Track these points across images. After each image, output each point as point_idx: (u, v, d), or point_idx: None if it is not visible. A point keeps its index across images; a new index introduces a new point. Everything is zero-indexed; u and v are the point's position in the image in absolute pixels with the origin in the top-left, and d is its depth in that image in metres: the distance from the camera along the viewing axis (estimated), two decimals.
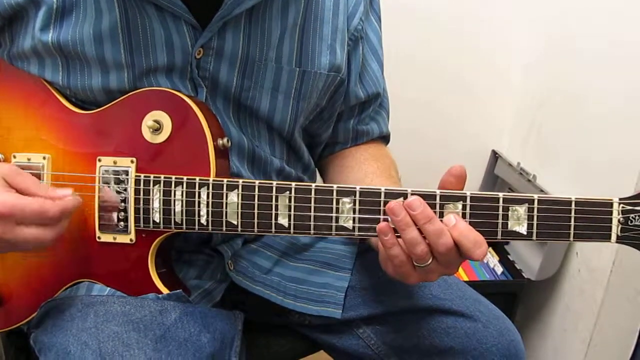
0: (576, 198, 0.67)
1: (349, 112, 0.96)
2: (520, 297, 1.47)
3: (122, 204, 0.76)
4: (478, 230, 0.68)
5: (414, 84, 1.55)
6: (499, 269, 1.52)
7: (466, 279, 1.49)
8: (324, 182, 1.02)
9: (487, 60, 1.63)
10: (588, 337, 1.33)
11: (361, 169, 0.93)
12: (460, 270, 1.52)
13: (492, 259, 1.56)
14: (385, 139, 1.03)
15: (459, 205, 0.69)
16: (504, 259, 1.56)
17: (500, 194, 0.69)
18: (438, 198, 0.69)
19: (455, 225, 0.67)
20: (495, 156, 1.67)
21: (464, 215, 0.69)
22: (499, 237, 0.69)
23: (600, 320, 1.31)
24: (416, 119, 1.60)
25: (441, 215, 0.69)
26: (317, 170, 1.03)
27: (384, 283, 0.90)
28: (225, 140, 0.76)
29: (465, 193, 0.69)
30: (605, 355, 1.34)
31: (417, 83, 1.57)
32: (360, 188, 0.71)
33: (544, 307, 1.49)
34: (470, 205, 0.69)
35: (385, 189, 0.70)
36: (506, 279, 1.50)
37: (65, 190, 0.72)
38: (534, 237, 0.69)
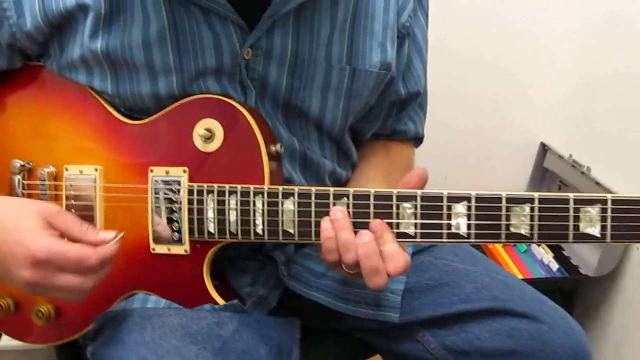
0: None
1: (388, 108, 0.94)
2: (578, 294, 1.42)
3: (176, 215, 0.75)
4: (548, 233, 0.65)
5: (457, 75, 1.51)
6: (554, 266, 1.48)
7: (520, 277, 1.45)
8: None
9: (533, 48, 1.58)
10: None
11: (371, 170, 0.94)
12: (514, 267, 1.48)
13: (547, 256, 1.52)
14: (418, 140, 1.01)
15: (527, 207, 0.66)
16: (559, 255, 1.51)
17: (571, 195, 0.65)
18: (504, 201, 0.66)
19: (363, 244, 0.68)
20: (544, 148, 1.62)
21: (532, 218, 0.65)
22: (571, 239, 0.66)
23: None
24: (460, 112, 1.56)
25: (507, 217, 0.66)
26: None
27: (442, 284, 0.87)
28: (278, 146, 0.75)
29: (533, 195, 0.66)
30: None
31: (461, 75, 1.54)
32: (422, 192, 0.68)
33: (603, 303, 1.44)
34: (539, 207, 0.65)
35: (448, 193, 0.67)
36: (562, 275, 1.45)
37: (108, 233, 0.69)
38: (608, 239, 0.65)
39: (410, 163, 1.00)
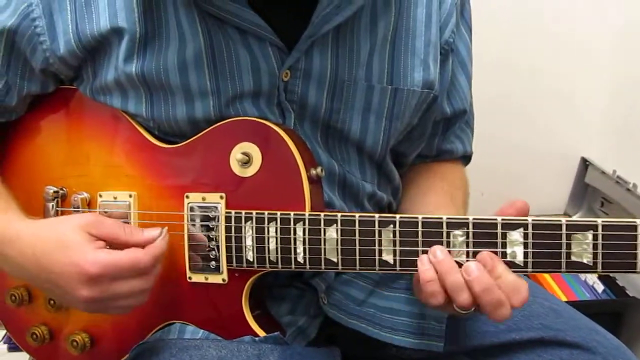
0: None
1: (433, 127, 0.91)
2: (625, 317, 1.36)
3: (213, 242, 0.72)
4: (613, 262, 0.61)
5: (493, 88, 1.48)
6: (600, 287, 1.42)
7: (565, 299, 1.39)
8: None
9: (572, 59, 1.54)
10: None
11: (431, 196, 0.89)
12: (557, 289, 1.43)
13: (592, 276, 1.46)
14: (466, 158, 0.97)
15: (589, 235, 0.61)
16: (604, 275, 1.45)
17: (638, 221, 0.61)
18: (564, 228, 0.62)
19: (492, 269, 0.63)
20: (585, 164, 1.57)
21: (595, 247, 0.61)
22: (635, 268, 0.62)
23: None
24: (497, 126, 1.52)
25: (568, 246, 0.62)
26: None
27: None
28: (319, 169, 0.71)
29: (596, 221, 0.61)
30: None
31: (498, 87, 1.50)
32: (474, 219, 0.64)
33: None
34: (603, 235, 0.61)
35: (502, 219, 0.64)
36: (608, 297, 1.39)
37: (153, 230, 0.69)
38: None
39: (466, 183, 0.95)
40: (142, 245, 0.67)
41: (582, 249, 0.62)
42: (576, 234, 0.62)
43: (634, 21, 1.44)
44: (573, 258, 0.62)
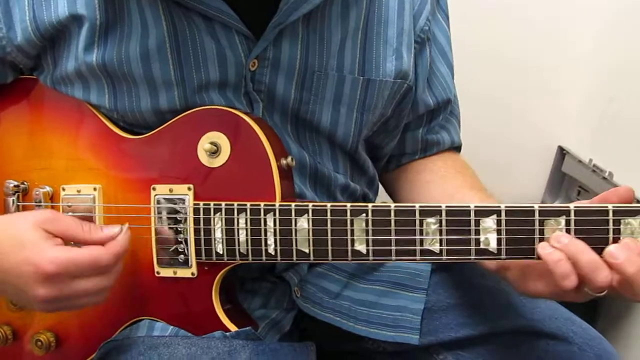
0: None
1: (417, 121, 0.89)
2: (601, 305, 1.36)
3: (181, 235, 0.70)
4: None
5: (470, 78, 1.46)
6: None
7: None
8: (395, 199, 0.94)
9: (549, 48, 1.53)
10: None
11: (447, 183, 0.86)
12: None
13: None
14: (457, 149, 0.95)
15: (562, 220, 0.61)
16: None
17: (610, 206, 0.60)
18: (537, 214, 0.61)
19: None
20: (562, 152, 1.57)
21: (568, 232, 0.61)
22: None
23: None
24: (473, 115, 1.50)
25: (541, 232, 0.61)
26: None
27: (463, 304, 0.83)
28: (289, 159, 0.70)
29: (568, 206, 0.60)
30: None
31: (475, 77, 1.48)
32: (447, 206, 0.63)
33: (627, 314, 1.38)
34: (576, 220, 0.60)
35: (475, 206, 0.62)
36: None
37: (113, 228, 0.67)
38: None
39: (473, 170, 0.92)
40: (102, 243, 0.65)
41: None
42: (549, 219, 0.61)
43: (614, 13, 1.44)
44: None
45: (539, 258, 0.61)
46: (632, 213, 0.60)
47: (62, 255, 0.62)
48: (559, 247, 0.60)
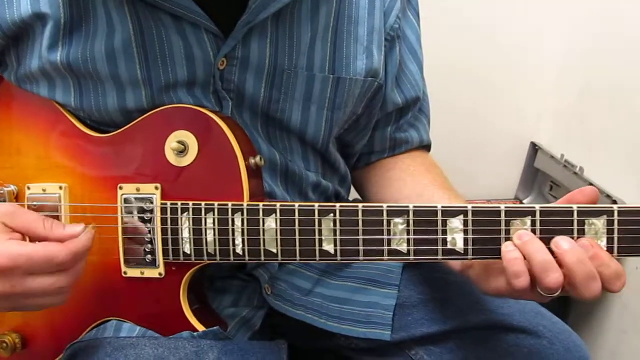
0: None
1: (385, 119, 0.89)
2: (571, 301, 1.38)
3: (148, 235, 0.69)
4: None
5: (443, 73, 1.46)
6: None
7: None
8: (363, 196, 0.94)
9: (522, 43, 1.54)
10: None
11: (416, 181, 0.86)
12: None
13: None
14: (426, 148, 0.95)
15: (527, 220, 0.61)
16: None
17: (575, 206, 0.61)
18: (503, 214, 0.61)
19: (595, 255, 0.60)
20: (534, 148, 1.58)
21: (533, 232, 0.61)
22: None
23: None
24: (446, 111, 1.50)
25: (507, 232, 0.61)
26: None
27: (435, 299, 0.83)
28: (257, 158, 0.69)
29: (534, 207, 0.61)
30: None
31: (448, 72, 1.49)
32: (414, 206, 0.63)
33: (598, 307, 1.40)
34: (541, 220, 0.61)
35: (442, 207, 0.63)
36: None
37: (75, 226, 0.65)
38: (615, 253, 0.61)
39: (436, 165, 0.92)
40: (62, 241, 0.63)
41: None
42: (515, 219, 0.61)
43: (585, 10, 1.44)
44: None
45: None
46: (596, 213, 0.60)
47: (16, 248, 0.60)
48: (518, 245, 0.61)
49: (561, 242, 0.60)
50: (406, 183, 0.86)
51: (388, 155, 0.91)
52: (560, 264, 0.60)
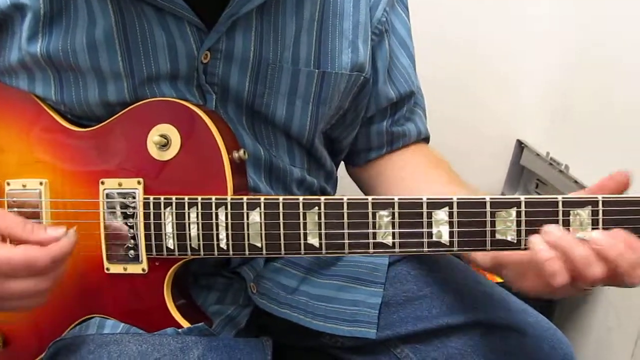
0: None
1: (380, 114, 0.88)
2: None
3: (131, 231, 0.68)
4: None
5: (428, 70, 1.47)
6: None
7: (499, 279, 1.40)
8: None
9: (508, 42, 1.54)
10: (635, 334, 1.25)
11: (430, 179, 0.85)
12: None
13: None
14: (425, 141, 0.94)
15: (513, 212, 0.61)
16: None
17: (559, 197, 0.60)
18: (488, 205, 0.61)
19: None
20: (520, 146, 1.59)
21: (519, 223, 0.61)
22: None
23: None
24: (431, 108, 1.51)
25: (492, 224, 0.61)
26: (338, 178, 0.95)
27: (420, 297, 0.83)
28: (241, 152, 0.69)
29: (519, 198, 0.61)
30: None
31: (432, 70, 1.49)
32: (399, 199, 0.63)
33: (584, 304, 1.40)
34: (526, 211, 0.60)
35: (427, 199, 0.62)
36: None
37: (57, 230, 0.63)
38: None
39: (441, 157, 0.91)
40: (43, 244, 0.62)
41: (507, 226, 0.61)
42: (500, 211, 0.61)
43: (569, 9, 1.45)
44: (497, 236, 0.61)
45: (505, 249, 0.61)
46: (581, 204, 0.60)
47: None
48: (550, 242, 0.58)
49: (597, 237, 0.58)
50: (407, 182, 0.86)
51: (387, 151, 0.90)
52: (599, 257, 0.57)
